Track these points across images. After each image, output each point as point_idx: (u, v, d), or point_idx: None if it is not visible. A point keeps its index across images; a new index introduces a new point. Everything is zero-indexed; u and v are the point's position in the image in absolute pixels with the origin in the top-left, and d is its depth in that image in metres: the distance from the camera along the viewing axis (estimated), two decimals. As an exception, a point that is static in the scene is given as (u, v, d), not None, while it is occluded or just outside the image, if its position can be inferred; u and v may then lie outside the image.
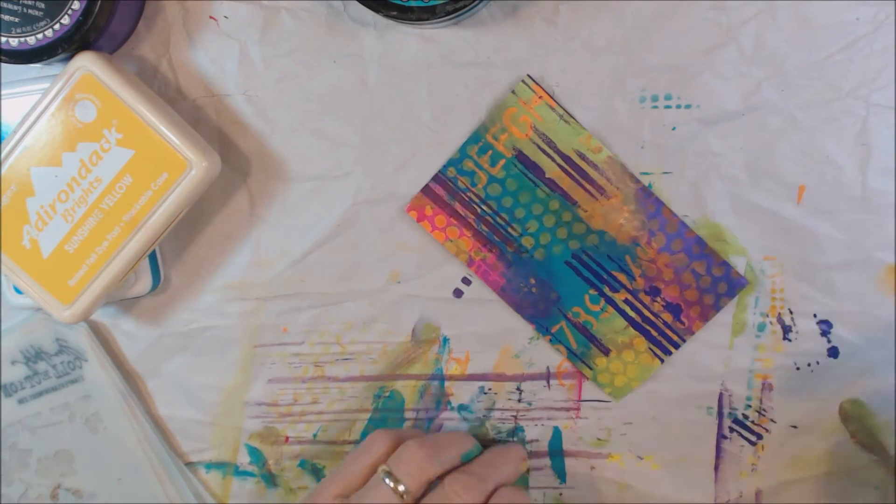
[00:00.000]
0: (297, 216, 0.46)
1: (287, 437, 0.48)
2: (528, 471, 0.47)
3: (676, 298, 0.44)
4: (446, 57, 0.43)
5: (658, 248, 0.44)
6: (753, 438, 0.46)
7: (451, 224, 0.45)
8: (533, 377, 0.47)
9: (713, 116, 0.42)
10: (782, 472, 0.46)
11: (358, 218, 0.45)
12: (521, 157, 0.44)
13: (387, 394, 0.47)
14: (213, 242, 0.46)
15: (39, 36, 0.40)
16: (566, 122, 0.43)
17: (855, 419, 0.45)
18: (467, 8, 0.39)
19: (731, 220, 0.44)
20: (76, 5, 0.39)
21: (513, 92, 0.43)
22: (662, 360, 0.45)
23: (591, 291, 0.45)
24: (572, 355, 0.46)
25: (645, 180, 0.43)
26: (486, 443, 0.46)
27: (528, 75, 0.43)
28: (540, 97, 0.43)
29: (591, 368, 0.46)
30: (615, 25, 0.42)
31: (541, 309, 0.45)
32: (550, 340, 0.46)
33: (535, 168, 0.44)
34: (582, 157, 0.43)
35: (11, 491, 0.49)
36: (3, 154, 0.41)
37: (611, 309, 0.45)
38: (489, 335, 0.46)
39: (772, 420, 0.45)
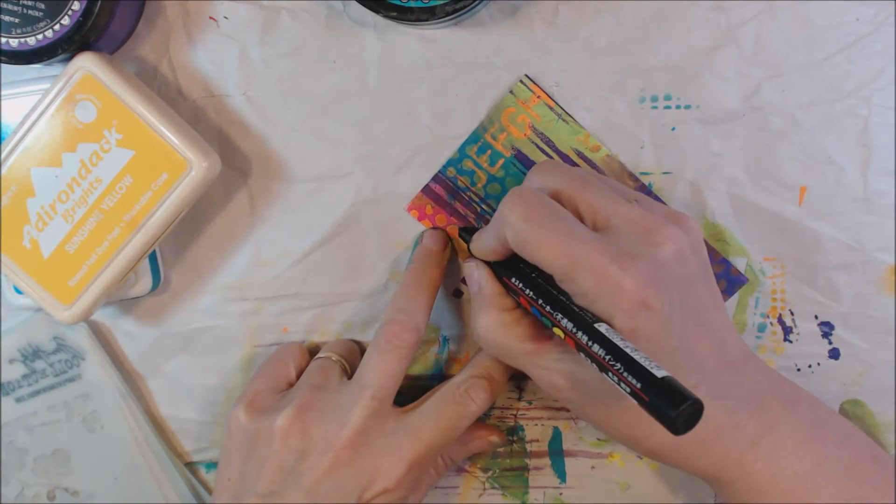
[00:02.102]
0: (298, 216, 0.46)
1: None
2: (528, 470, 0.47)
3: (677, 298, 0.44)
4: (446, 57, 0.43)
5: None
6: (754, 439, 0.46)
7: (451, 223, 0.45)
8: (533, 377, 0.47)
9: (713, 117, 0.42)
10: (783, 472, 0.46)
11: (358, 218, 0.45)
12: (519, 156, 0.44)
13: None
14: (214, 242, 0.46)
15: (39, 36, 0.40)
16: (564, 121, 0.43)
17: (855, 419, 0.45)
18: (467, 8, 0.39)
19: (731, 220, 0.43)
20: (76, 6, 0.39)
21: (511, 92, 0.43)
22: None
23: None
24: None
25: (645, 180, 0.43)
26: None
27: (526, 75, 0.42)
28: (538, 97, 0.43)
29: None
30: (615, 25, 0.42)
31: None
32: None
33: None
34: (580, 155, 0.43)
35: (9, 491, 0.49)
36: (3, 154, 0.41)
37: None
38: (489, 335, 0.46)
39: (772, 421, 0.45)
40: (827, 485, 0.37)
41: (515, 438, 0.47)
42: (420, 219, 0.45)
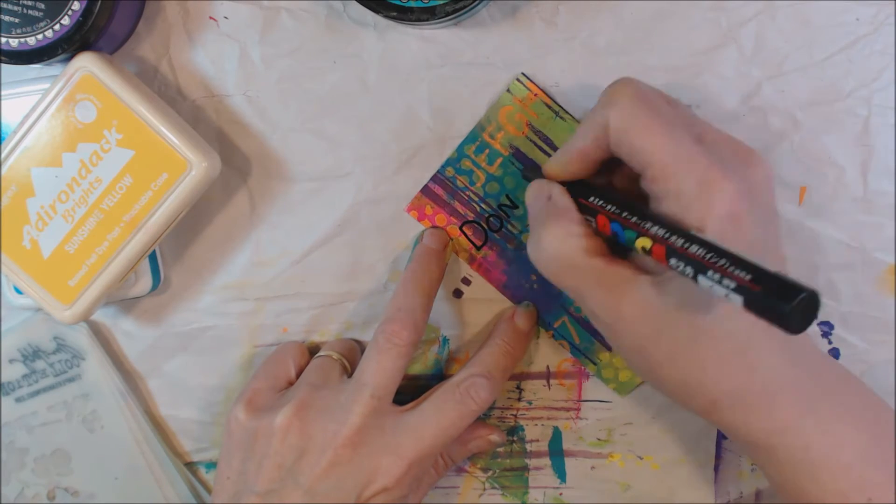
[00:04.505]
0: (298, 216, 0.46)
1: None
2: (528, 470, 0.48)
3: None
4: (446, 57, 0.43)
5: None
6: (754, 439, 0.46)
7: (451, 223, 0.45)
8: (533, 376, 0.47)
9: (713, 117, 0.42)
10: (783, 473, 0.46)
11: (358, 218, 0.45)
12: (518, 154, 0.44)
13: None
14: (214, 242, 0.46)
15: (39, 36, 0.40)
16: (562, 118, 0.43)
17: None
18: (467, 8, 0.39)
19: (731, 220, 0.43)
20: (76, 6, 0.39)
21: (508, 90, 0.43)
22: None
23: (592, 290, 0.45)
24: (575, 350, 0.45)
25: (645, 180, 0.43)
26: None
27: (523, 73, 0.42)
28: (535, 94, 0.43)
29: (594, 363, 0.46)
30: (615, 25, 0.42)
31: (542, 305, 0.45)
32: (553, 336, 0.46)
33: (532, 165, 0.44)
34: (580, 155, 0.43)
35: (9, 491, 0.49)
36: (3, 154, 0.42)
37: (612, 308, 0.45)
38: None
39: (772, 421, 0.45)
40: (885, 461, 0.35)
41: (515, 438, 0.47)
42: (420, 219, 0.45)
